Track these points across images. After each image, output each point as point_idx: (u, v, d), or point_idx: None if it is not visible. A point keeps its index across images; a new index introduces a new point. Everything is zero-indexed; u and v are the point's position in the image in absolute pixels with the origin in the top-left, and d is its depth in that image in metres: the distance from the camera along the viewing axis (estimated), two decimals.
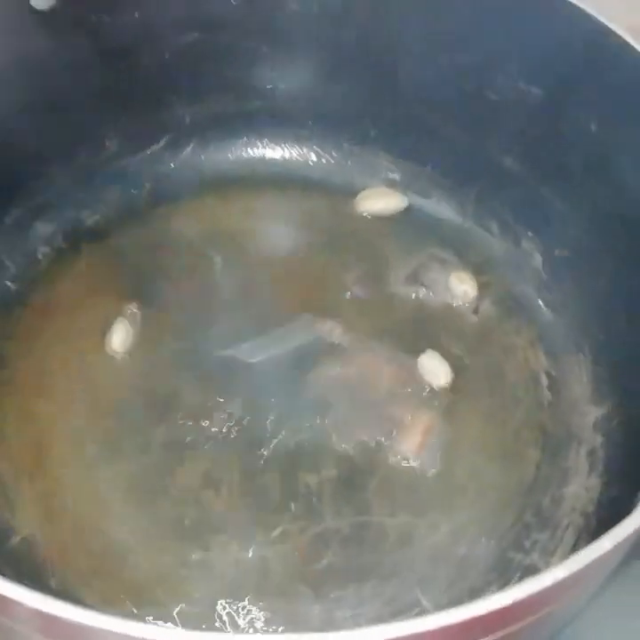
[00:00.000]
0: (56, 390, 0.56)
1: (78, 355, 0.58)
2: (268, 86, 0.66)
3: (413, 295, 0.62)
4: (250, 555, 0.50)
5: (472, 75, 0.61)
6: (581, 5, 0.54)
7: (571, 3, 0.54)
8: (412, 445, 0.54)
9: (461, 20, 0.59)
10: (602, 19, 0.54)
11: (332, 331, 0.59)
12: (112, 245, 0.64)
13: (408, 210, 0.67)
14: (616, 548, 0.31)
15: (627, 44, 0.52)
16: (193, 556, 0.50)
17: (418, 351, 0.58)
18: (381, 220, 0.67)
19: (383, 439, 0.55)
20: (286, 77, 0.65)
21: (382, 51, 0.63)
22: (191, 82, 0.65)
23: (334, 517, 0.52)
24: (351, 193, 0.68)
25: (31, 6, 0.55)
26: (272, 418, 0.55)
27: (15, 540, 0.50)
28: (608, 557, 0.31)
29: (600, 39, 0.53)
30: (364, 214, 0.66)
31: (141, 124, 0.65)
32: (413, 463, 0.53)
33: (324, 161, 0.69)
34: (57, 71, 0.59)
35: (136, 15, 0.60)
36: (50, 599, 0.30)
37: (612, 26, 0.53)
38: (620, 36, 0.52)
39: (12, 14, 0.55)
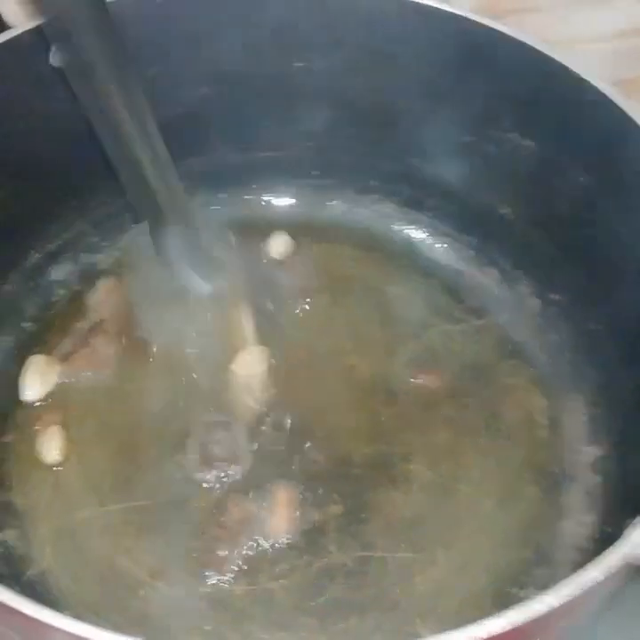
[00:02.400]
0: (72, 428, 0.58)
1: (91, 393, 0.60)
2: (275, 138, 0.69)
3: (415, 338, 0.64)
4: (257, 587, 0.52)
5: (470, 129, 0.64)
6: (567, 64, 0.57)
7: (557, 62, 0.57)
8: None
9: (458, 77, 0.62)
10: (586, 76, 0.56)
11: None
12: (125, 288, 0.66)
13: (410, 256, 0.70)
14: (606, 577, 0.33)
15: (609, 100, 0.55)
16: (202, 588, 0.52)
17: None
18: (385, 265, 0.69)
19: None
20: (293, 129, 0.68)
21: (383, 105, 0.66)
22: (202, 133, 0.67)
23: (338, 552, 0.54)
24: (355, 239, 0.70)
25: (51, 64, 0.58)
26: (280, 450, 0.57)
27: (31, 572, 0.52)
28: (600, 586, 0.33)
29: (585, 96, 0.56)
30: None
31: None
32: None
33: (327, 208, 0.72)
34: (74, 122, 0.62)
35: (150, 72, 0.63)
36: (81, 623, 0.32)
37: (597, 83, 0.56)
38: (603, 93, 0.55)
39: (34, 71, 0.58)
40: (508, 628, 0.32)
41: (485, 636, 0.32)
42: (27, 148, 0.60)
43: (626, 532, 0.36)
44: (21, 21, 0.57)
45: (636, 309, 0.56)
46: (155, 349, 0.61)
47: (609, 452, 0.58)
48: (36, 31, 0.56)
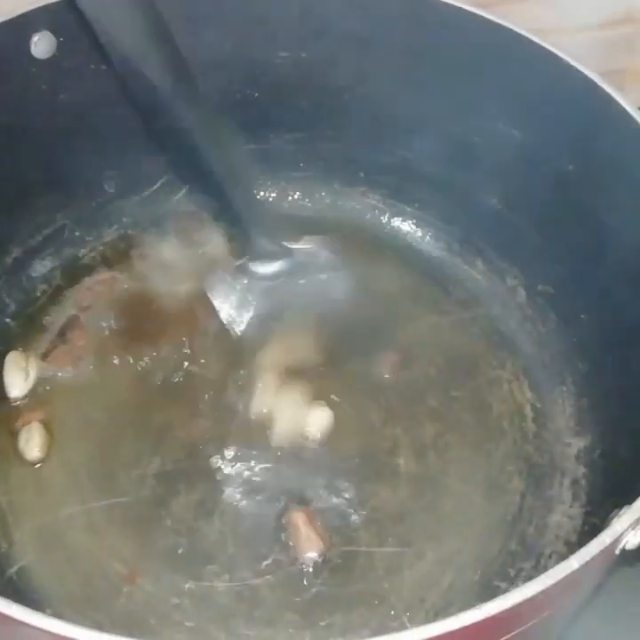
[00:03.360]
0: (53, 425, 0.57)
1: (71, 389, 0.59)
2: (259, 130, 0.68)
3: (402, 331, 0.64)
4: (241, 584, 0.52)
5: (455, 118, 0.63)
6: (556, 51, 0.56)
7: (546, 49, 0.57)
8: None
9: (444, 67, 0.62)
10: (575, 63, 0.56)
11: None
12: (108, 282, 0.65)
13: (397, 247, 0.69)
14: (583, 567, 0.32)
15: (599, 88, 0.54)
16: (185, 585, 0.51)
17: None
18: (372, 257, 0.68)
19: None
20: (277, 122, 0.67)
21: (369, 95, 0.65)
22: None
23: (325, 549, 0.53)
24: (342, 231, 0.70)
25: (32, 55, 0.57)
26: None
27: (12, 570, 0.52)
28: (578, 576, 0.32)
29: (573, 83, 0.56)
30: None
31: (139, 167, 0.67)
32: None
33: (314, 201, 0.71)
34: (56, 117, 0.61)
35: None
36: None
37: (585, 70, 0.55)
38: (592, 81, 0.55)
39: (14, 62, 0.57)
40: (487, 618, 0.31)
41: (465, 627, 0.31)
42: (6, 141, 0.59)
43: (610, 523, 0.36)
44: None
45: (622, 300, 0.56)
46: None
47: (595, 444, 0.57)
48: (17, 21, 0.56)
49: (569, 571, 0.32)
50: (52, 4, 0.56)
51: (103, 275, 0.66)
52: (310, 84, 0.65)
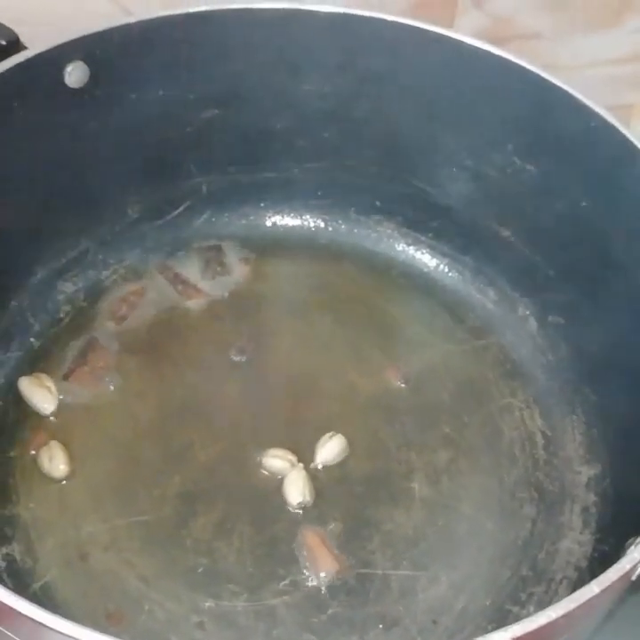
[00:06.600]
0: (75, 444, 0.59)
1: (94, 407, 0.61)
2: (280, 159, 0.70)
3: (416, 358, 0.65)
4: (260, 604, 0.53)
5: (471, 152, 0.65)
6: (566, 88, 0.59)
7: (560, 87, 0.59)
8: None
9: (460, 102, 0.64)
10: (587, 101, 0.58)
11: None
12: (139, 292, 0.67)
13: (412, 276, 0.71)
14: (603, 592, 0.34)
15: (611, 125, 0.56)
16: (205, 604, 0.52)
17: None
18: (386, 284, 0.70)
19: None
20: (298, 151, 0.69)
21: (388, 129, 0.67)
22: (209, 154, 0.69)
23: (340, 569, 0.54)
24: (357, 259, 0.71)
25: (65, 84, 0.59)
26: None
27: (36, 586, 0.53)
28: (597, 601, 0.34)
29: (584, 120, 0.58)
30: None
31: (161, 192, 0.69)
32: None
33: (331, 229, 0.73)
34: (86, 142, 0.63)
35: (160, 93, 0.64)
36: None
37: (596, 107, 0.57)
38: (604, 118, 0.57)
39: (48, 92, 0.59)
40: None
41: None
42: (36, 167, 0.61)
43: (628, 550, 0.37)
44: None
45: (633, 332, 0.57)
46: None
47: (605, 472, 0.59)
48: (53, 52, 0.58)
49: (590, 595, 0.34)
50: (87, 35, 0.58)
51: (133, 286, 0.68)
52: (332, 117, 0.67)
